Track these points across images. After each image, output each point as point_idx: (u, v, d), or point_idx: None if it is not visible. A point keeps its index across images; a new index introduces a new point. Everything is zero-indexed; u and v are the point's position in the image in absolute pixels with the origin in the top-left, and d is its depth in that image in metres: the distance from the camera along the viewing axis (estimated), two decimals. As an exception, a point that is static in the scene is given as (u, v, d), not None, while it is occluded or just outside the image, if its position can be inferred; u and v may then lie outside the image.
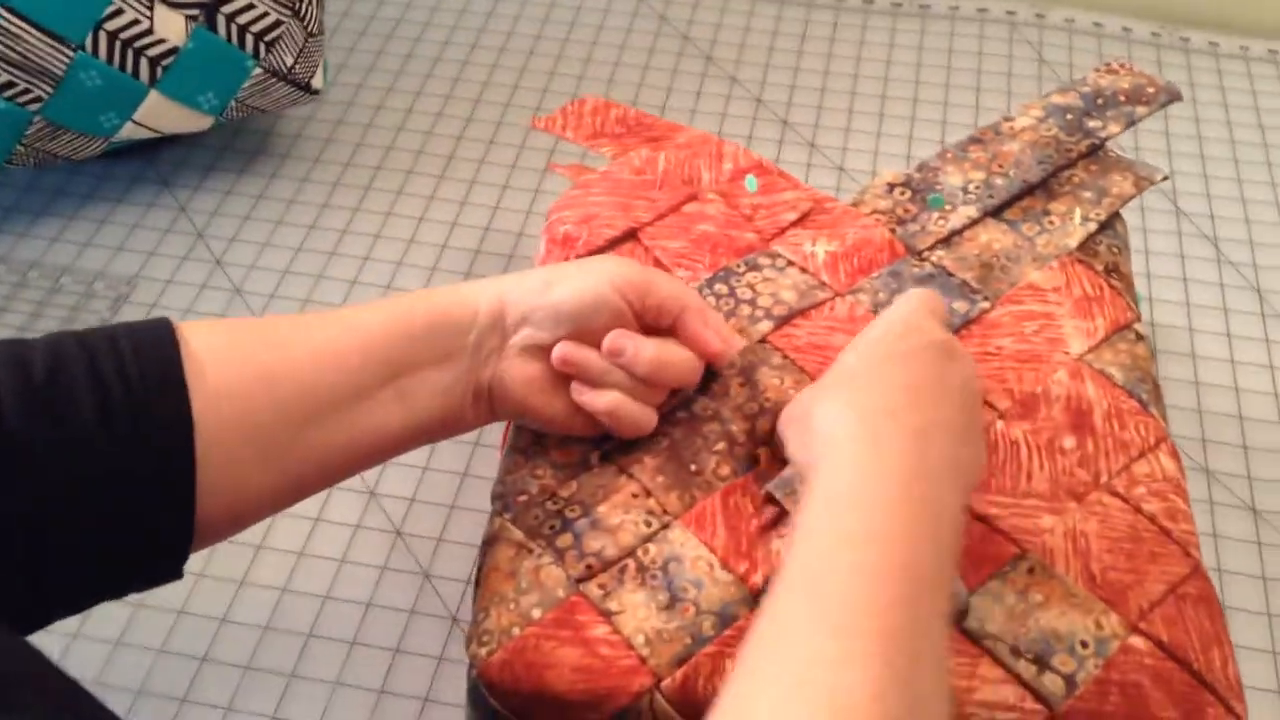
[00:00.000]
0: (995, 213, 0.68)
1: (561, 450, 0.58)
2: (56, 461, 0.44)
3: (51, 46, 0.80)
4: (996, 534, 0.54)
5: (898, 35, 1.08)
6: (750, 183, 0.70)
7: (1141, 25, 1.09)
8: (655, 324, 0.57)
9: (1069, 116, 0.72)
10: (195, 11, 0.83)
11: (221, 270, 0.86)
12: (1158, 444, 0.58)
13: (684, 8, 1.10)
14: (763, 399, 0.58)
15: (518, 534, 0.55)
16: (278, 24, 0.86)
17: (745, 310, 0.63)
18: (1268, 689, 0.66)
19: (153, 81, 0.84)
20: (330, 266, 0.86)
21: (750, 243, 0.67)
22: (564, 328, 0.55)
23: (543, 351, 0.55)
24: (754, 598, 0.52)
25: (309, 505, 0.71)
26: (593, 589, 0.53)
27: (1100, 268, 0.66)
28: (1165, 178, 0.70)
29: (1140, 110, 0.72)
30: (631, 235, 0.68)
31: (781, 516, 0.55)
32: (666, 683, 0.50)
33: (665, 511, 0.55)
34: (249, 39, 0.86)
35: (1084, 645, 0.51)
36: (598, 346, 0.55)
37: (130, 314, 0.82)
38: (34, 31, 0.79)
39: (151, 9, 0.82)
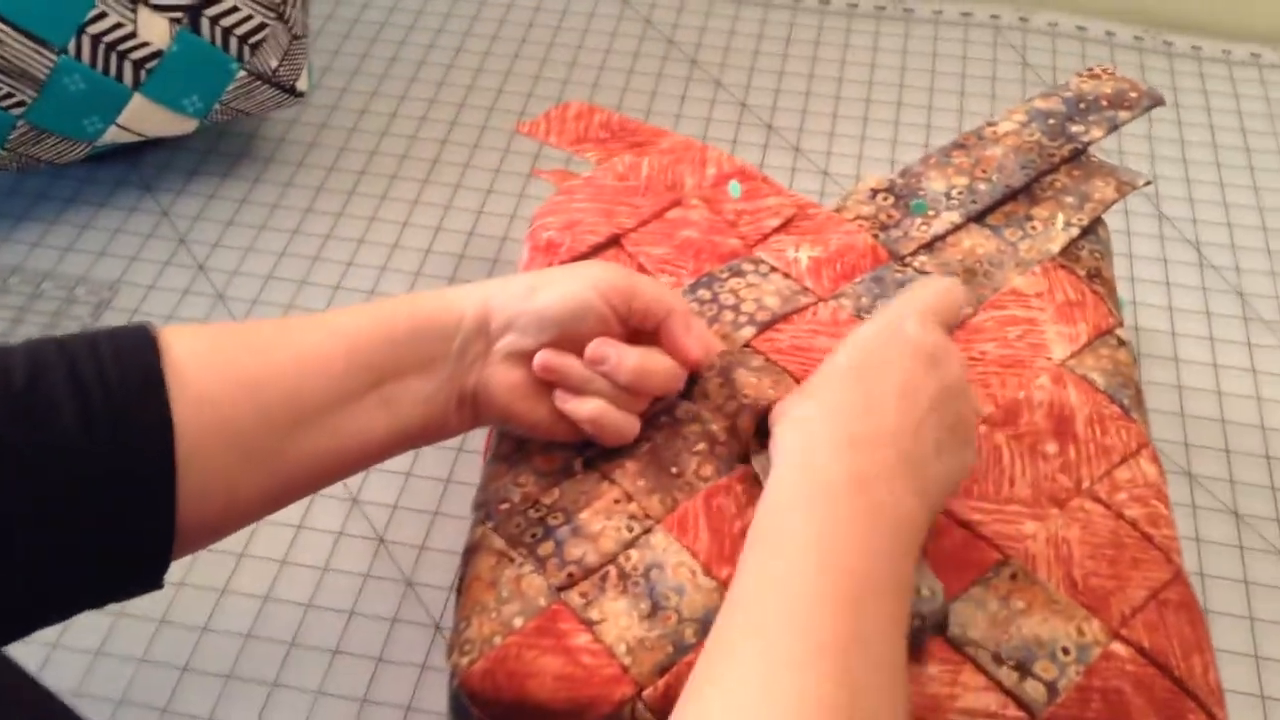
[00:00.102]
0: (978, 218, 0.68)
1: (544, 457, 0.58)
2: (36, 468, 0.44)
3: (34, 50, 0.79)
4: (979, 540, 0.54)
5: (881, 39, 1.08)
6: (734, 188, 0.70)
7: (1125, 29, 1.10)
8: (639, 329, 0.57)
9: (1051, 121, 0.72)
10: (179, 14, 0.83)
11: (204, 275, 0.85)
12: (1139, 449, 0.58)
13: (669, 11, 1.10)
14: (741, 395, 0.58)
15: (499, 542, 0.55)
16: (262, 26, 0.86)
17: (729, 316, 0.63)
18: (1250, 693, 0.66)
19: (136, 85, 0.84)
20: (314, 272, 0.86)
21: (734, 248, 0.67)
22: (548, 333, 0.55)
23: (527, 358, 0.55)
24: (736, 605, 0.52)
25: (291, 512, 0.70)
26: (574, 597, 0.52)
27: (1083, 273, 0.66)
28: (1148, 183, 0.70)
29: (1123, 115, 0.72)
30: (615, 241, 0.68)
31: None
32: (648, 692, 0.50)
33: (647, 516, 0.55)
34: (233, 41, 0.85)
35: (1065, 652, 0.51)
36: (581, 352, 0.55)
37: (112, 320, 0.82)
38: (16, 35, 0.78)
39: (135, 12, 0.81)
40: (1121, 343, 0.63)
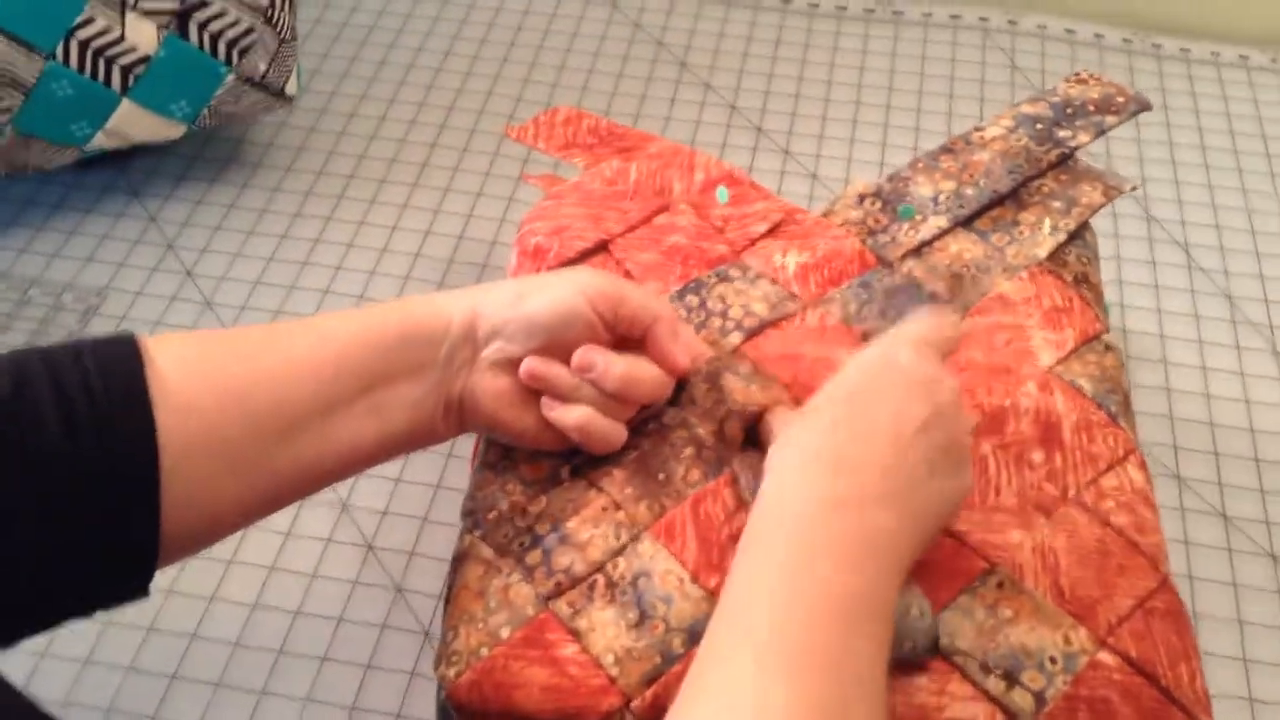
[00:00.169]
0: (966, 223, 0.68)
1: (531, 465, 0.58)
2: (20, 475, 0.44)
3: (22, 56, 0.79)
4: (965, 549, 0.54)
5: (871, 41, 1.08)
6: (721, 194, 0.70)
7: (1113, 32, 1.10)
8: (626, 336, 0.57)
9: (1039, 126, 0.72)
10: (167, 19, 0.83)
11: (192, 282, 0.85)
12: (1126, 456, 0.58)
13: (658, 14, 1.10)
14: (730, 401, 0.58)
15: (487, 551, 0.55)
16: (250, 31, 0.86)
17: (716, 322, 0.63)
18: (1239, 696, 0.67)
19: (124, 90, 0.84)
20: (302, 277, 0.86)
21: (721, 254, 0.67)
22: (536, 340, 0.55)
23: (514, 365, 0.55)
24: (724, 614, 0.52)
25: (280, 519, 0.71)
26: (562, 606, 0.52)
27: (1070, 278, 0.66)
28: (1134, 188, 0.70)
29: (1109, 120, 0.72)
30: (603, 247, 0.68)
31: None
32: (636, 702, 0.50)
33: (635, 523, 0.55)
34: (221, 46, 0.85)
35: (1053, 661, 0.51)
36: (569, 359, 0.55)
37: (99, 326, 0.81)
38: (4, 41, 0.78)
39: (123, 17, 0.81)
40: (1109, 348, 0.63)
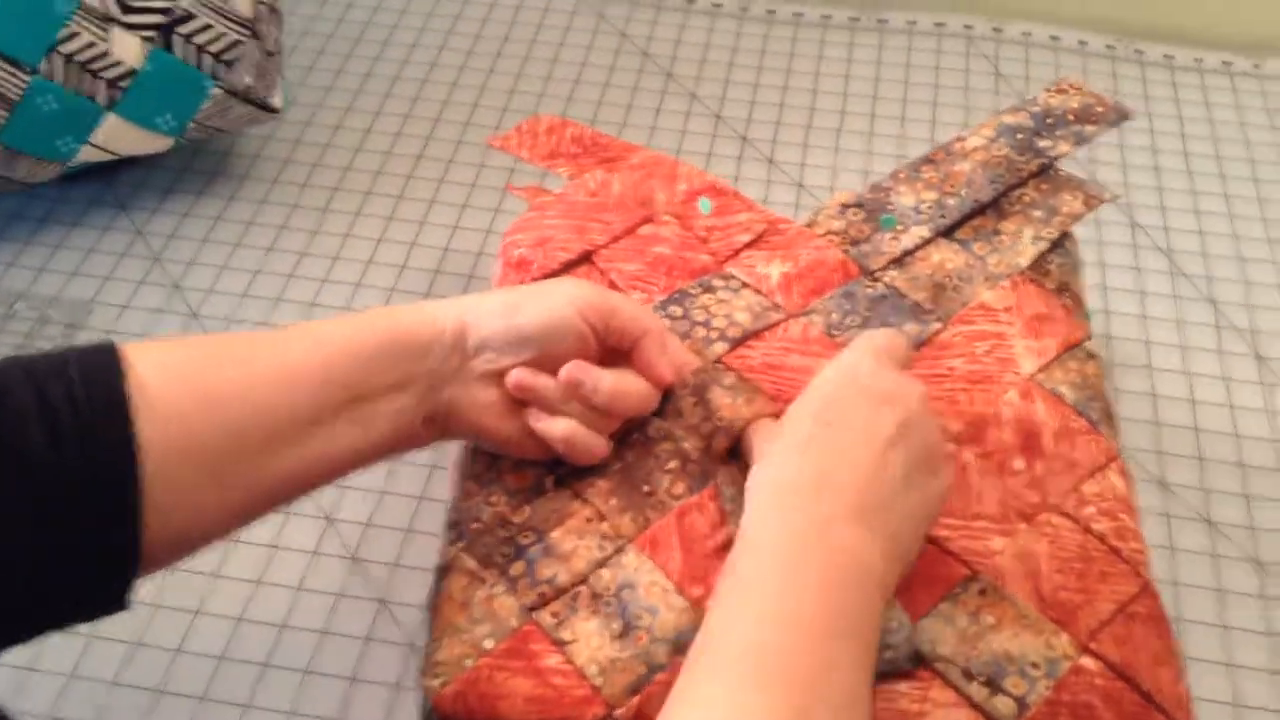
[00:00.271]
0: (947, 232, 0.69)
1: (515, 475, 0.58)
2: (5, 485, 0.44)
3: (6, 71, 0.79)
4: (947, 556, 0.55)
5: (855, 50, 1.09)
6: (704, 204, 0.70)
7: (1097, 38, 1.10)
8: (615, 348, 0.57)
9: (1020, 136, 0.72)
10: (152, 33, 0.83)
11: (179, 294, 0.85)
12: (1108, 463, 0.59)
13: (644, 25, 1.11)
14: (717, 418, 0.58)
15: (471, 562, 0.55)
16: (236, 44, 0.86)
17: (700, 332, 0.63)
18: (1223, 701, 0.67)
19: (110, 104, 0.84)
20: (289, 289, 0.86)
21: (705, 264, 0.67)
22: (526, 352, 0.55)
23: (501, 376, 0.56)
24: (708, 623, 0.52)
25: (265, 532, 0.71)
26: (545, 617, 0.53)
27: (1051, 286, 0.66)
28: (1115, 197, 0.71)
29: (1089, 129, 0.72)
30: (586, 258, 0.68)
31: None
32: (620, 712, 0.50)
33: (619, 535, 0.55)
34: (206, 59, 0.85)
35: (1035, 667, 0.51)
36: (555, 370, 0.55)
37: (86, 340, 0.81)
38: (-13, 56, 0.78)
39: (107, 31, 0.81)
40: (1090, 355, 0.64)
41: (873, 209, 0.70)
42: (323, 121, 1.00)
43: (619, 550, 0.55)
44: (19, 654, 0.46)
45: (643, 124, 1.00)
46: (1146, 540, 0.58)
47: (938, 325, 0.64)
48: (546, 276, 0.66)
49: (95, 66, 0.82)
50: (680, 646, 0.51)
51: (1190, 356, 0.84)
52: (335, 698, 0.64)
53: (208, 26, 0.84)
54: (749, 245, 0.68)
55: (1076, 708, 0.50)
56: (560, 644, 0.52)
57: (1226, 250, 0.92)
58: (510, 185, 0.90)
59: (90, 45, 0.81)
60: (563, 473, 0.58)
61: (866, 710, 0.44)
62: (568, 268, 0.67)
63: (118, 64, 0.82)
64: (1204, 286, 0.89)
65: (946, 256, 0.67)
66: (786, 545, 0.47)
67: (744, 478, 0.56)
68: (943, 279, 0.66)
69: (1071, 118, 0.73)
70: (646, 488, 0.57)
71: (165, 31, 0.83)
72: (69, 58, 0.81)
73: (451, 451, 0.62)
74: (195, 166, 0.95)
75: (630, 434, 0.59)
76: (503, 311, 0.55)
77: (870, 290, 0.66)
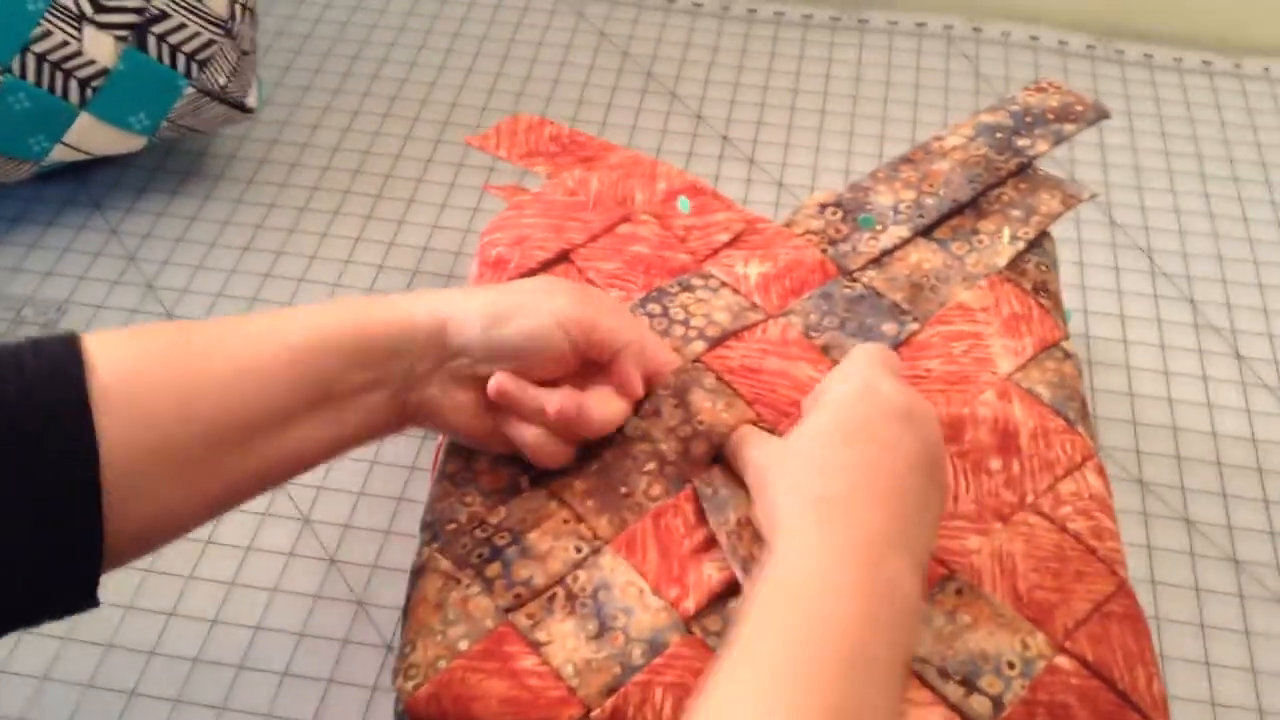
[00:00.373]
0: (925, 232, 0.69)
1: (491, 475, 0.58)
2: None
3: (-24, 69, 0.79)
4: (924, 556, 0.54)
5: (836, 50, 1.09)
6: (683, 204, 0.70)
7: (1077, 38, 1.10)
8: (595, 360, 0.57)
9: (998, 135, 0.72)
10: (125, 32, 0.82)
11: (153, 294, 0.85)
12: (1084, 462, 0.59)
13: (624, 24, 1.10)
14: (696, 422, 0.58)
15: (446, 564, 0.55)
16: (210, 43, 0.85)
17: (679, 331, 0.63)
18: (1201, 700, 0.67)
19: (83, 103, 0.83)
20: (265, 289, 0.85)
21: (683, 264, 0.67)
22: (508, 364, 0.55)
23: (478, 380, 0.55)
24: (685, 624, 0.52)
25: (240, 533, 0.70)
26: (521, 619, 0.52)
27: (1029, 286, 0.66)
28: (1093, 195, 0.71)
29: (1068, 128, 0.72)
30: (564, 257, 0.67)
31: (713, 538, 0.55)
32: (596, 713, 0.50)
33: (596, 536, 0.55)
34: (180, 59, 0.85)
35: (1010, 666, 0.51)
36: (533, 376, 0.56)
37: (60, 340, 0.80)
38: (-43, 55, 0.78)
39: (80, 30, 0.81)
40: (1067, 355, 0.63)
41: (851, 209, 0.70)
42: (300, 121, 0.99)
43: (595, 551, 0.55)
44: (-10, 656, 0.46)
45: (623, 123, 1.00)
46: (1124, 539, 0.58)
47: (915, 326, 0.64)
48: (524, 275, 0.66)
49: (68, 66, 0.81)
50: (656, 647, 0.51)
51: (1169, 355, 0.84)
52: (312, 700, 0.64)
53: (182, 26, 0.84)
54: (728, 245, 0.68)
55: (1053, 707, 0.50)
56: (536, 645, 0.51)
57: (1206, 249, 0.92)
58: (488, 185, 0.90)
59: (63, 44, 0.80)
60: (538, 473, 0.58)
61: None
62: (545, 266, 0.67)
63: (91, 63, 0.82)
64: (1183, 286, 0.89)
65: (924, 256, 0.67)
66: (819, 569, 0.46)
67: (724, 479, 0.56)
68: (920, 279, 0.66)
69: (1050, 116, 0.73)
70: (624, 489, 0.57)
71: (139, 31, 0.82)
72: (41, 56, 0.80)
73: (430, 454, 0.62)
74: (170, 166, 0.95)
75: (608, 435, 0.58)
76: (486, 321, 0.55)
77: (848, 290, 0.66)
